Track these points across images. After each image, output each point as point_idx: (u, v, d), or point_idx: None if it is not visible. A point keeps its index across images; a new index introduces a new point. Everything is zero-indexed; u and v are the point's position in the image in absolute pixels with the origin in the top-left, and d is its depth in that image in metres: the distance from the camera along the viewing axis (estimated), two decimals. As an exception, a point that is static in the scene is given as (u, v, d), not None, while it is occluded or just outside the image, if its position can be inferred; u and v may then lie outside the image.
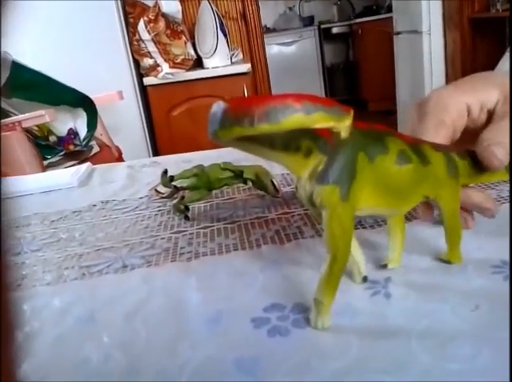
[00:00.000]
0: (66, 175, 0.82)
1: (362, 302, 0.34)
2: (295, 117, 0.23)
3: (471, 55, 3.00)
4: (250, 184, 0.59)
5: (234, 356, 0.29)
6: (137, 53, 2.34)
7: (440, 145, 0.36)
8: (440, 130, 0.37)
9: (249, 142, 0.27)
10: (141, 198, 0.66)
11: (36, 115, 1.61)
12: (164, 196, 0.63)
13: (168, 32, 2.33)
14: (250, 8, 2.76)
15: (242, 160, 0.61)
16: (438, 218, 0.39)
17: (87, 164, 0.89)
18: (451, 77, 3.13)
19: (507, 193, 0.49)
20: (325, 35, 5.27)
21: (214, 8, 2.47)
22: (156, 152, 2.50)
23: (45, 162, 1.77)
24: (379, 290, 0.35)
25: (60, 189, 0.77)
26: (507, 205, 0.46)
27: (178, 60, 2.37)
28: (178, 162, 0.79)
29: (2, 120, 1.61)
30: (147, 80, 2.40)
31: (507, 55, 0.43)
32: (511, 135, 0.35)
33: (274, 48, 4.94)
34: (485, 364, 0.26)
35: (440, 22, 3.15)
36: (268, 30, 5.02)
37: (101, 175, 0.83)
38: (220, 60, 2.47)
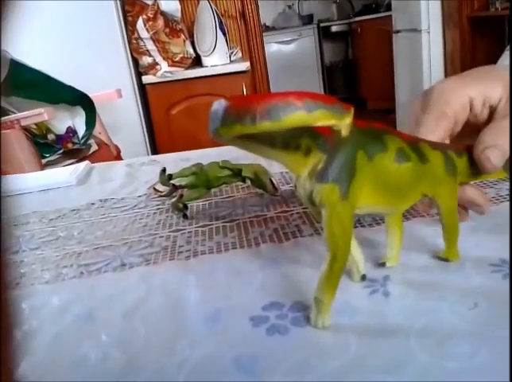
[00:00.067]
0: (64, 173, 0.82)
1: (361, 301, 0.34)
2: (296, 115, 0.23)
3: (470, 53, 3.00)
4: (248, 182, 0.59)
5: (233, 355, 0.29)
6: (135, 52, 2.33)
7: (438, 143, 0.36)
8: (440, 122, 0.37)
9: (249, 141, 0.27)
10: (139, 196, 0.66)
11: (35, 114, 1.61)
12: (162, 194, 0.63)
13: (167, 30, 2.33)
14: (250, 6, 2.75)
15: (241, 158, 0.61)
16: (436, 216, 0.39)
17: (86, 162, 0.88)
18: (450, 76, 3.13)
19: (506, 192, 0.49)
20: (324, 33, 5.27)
21: (213, 6, 2.46)
22: (154, 150, 2.50)
23: (44, 161, 1.77)
24: (378, 289, 0.35)
25: (58, 187, 0.77)
26: (506, 204, 0.46)
27: (177, 59, 2.36)
28: (177, 161, 0.79)
29: (1, 118, 1.61)
30: (146, 79, 2.39)
31: (507, 53, 0.43)
32: (511, 135, 0.35)
33: (273, 47, 4.93)
34: (484, 363, 0.26)
35: (440, 21, 3.15)
36: (267, 29, 5.01)
37: (99, 173, 0.83)
38: (219, 59, 2.47)
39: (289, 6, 5.29)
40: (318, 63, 5.24)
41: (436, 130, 0.37)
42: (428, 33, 3.17)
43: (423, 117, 0.37)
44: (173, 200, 0.58)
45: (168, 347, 0.31)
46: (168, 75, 2.36)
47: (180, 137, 2.40)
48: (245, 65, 2.45)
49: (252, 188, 0.61)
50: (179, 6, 2.39)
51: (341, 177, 0.28)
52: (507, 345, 0.26)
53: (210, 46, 2.44)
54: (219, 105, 0.25)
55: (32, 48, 1.98)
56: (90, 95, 1.93)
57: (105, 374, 0.30)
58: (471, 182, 0.39)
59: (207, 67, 2.48)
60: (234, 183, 0.62)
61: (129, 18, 2.31)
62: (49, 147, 1.90)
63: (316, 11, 5.39)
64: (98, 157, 1.78)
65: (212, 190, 0.62)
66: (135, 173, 0.79)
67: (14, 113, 1.71)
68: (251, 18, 2.77)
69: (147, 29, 2.27)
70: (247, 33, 2.81)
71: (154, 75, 2.37)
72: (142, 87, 2.42)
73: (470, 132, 0.38)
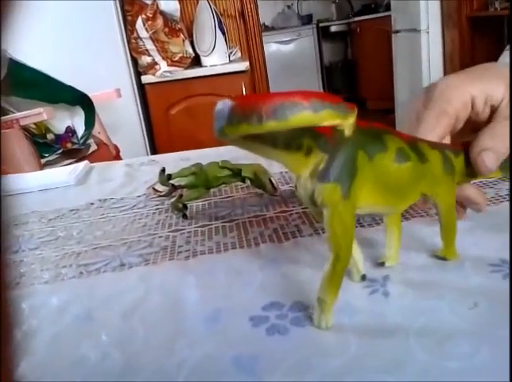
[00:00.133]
0: (63, 173, 0.82)
1: (361, 301, 0.34)
2: (303, 114, 0.23)
3: (469, 53, 3.00)
4: (248, 182, 0.59)
5: (233, 355, 0.29)
6: (135, 51, 2.33)
7: (436, 142, 0.36)
8: (441, 120, 0.37)
9: (252, 141, 0.27)
10: (139, 196, 0.66)
11: (34, 113, 1.61)
12: (162, 194, 0.63)
13: (167, 30, 2.33)
14: (249, 6, 2.75)
15: (241, 158, 0.61)
16: (435, 216, 0.39)
17: (85, 162, 0.88)
18: (449, 76, 3.12)
19: (506, 192, 0.49)
20: (324, 33, 5.27)
21: (212, 6, 2.46)
22: (154, 150, 2.49)
23: (43, 160, 1.77)
24: (378, 289, 0.35)
25: (57, 187, 0.77)
26: (506, 204, 0.46)
27: (176, 58, 2.36)
28: (176, 161, 0.79)
29: (1, 118, 1.61)
30: (145, 78, 2.39)
31: (506, 53, 0.43)
32: (511, 136, 0.35)
33: (273, 47, 4.93)
34: (483, 363, 0.26)
35: (439, 21, 3.15)
36: (266, 28, 5.01)
37: (99, 173, 0.83)
38: (218, 59, 2.47)
39: (288, 6, 5.29)
40: (317, 63, 5.24)
41: (437, 127, 0.37)
42: (428, 33, 3.17)
43: (424, 113, 0.37)
44: (173, 200, 0.58)
45: (168, 347, 0.31)
46: (168, 74, 2.36)
47: (179, 137, 2.40)
48: (244, 65, 2.45)
49: (251, 188, 0.61)
50: (178, 6, 2.39)
51: (342, 176, 0.28)
52: (507, 345, 0.26)
53: (209, 46, 2.44)
54: (223, 104, 0.25)
55: (32, 47, 1.97)
56: (89, 94, 1.93)
57: (104, 374, 0.30)
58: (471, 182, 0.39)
59: (206, 66, 2.48)
60: (233, 183, 0.62)
61: (129, 18, 2.31)
62: (48, 147, 1.90)
63: (316, 11, 5.39)
64: (98, 156, 1.78)
65: (212, 190, 0.62)
66: (134, 172, 0.79)
67: (13, 113, 1.71)
68: (250, 18, 2.77)
69: (146, 29, 2.27)
70: (246, 33, 2.80)
71: (153, 74, 2.36)
72: (141, 87, 2.42)
73: (471, 129, 0.38)
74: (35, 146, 1.67)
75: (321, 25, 5.23)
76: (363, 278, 0.36)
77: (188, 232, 0.51)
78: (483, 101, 0.37)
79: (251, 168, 0.58)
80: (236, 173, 0.58)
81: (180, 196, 0.56)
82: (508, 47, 0.43)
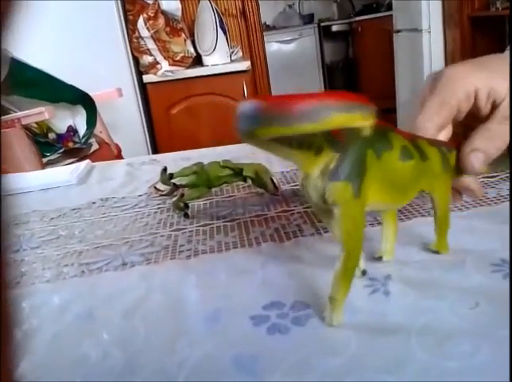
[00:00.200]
0: (65, 172, 0.82)
1: (362, 300, 0.34)
2: (336, 116, 0.23)
3: (470, 53, 3.00)
4: (249, 182, 0.59)
5: (233, 354, 0.29)
6: (136, 51, 2.33)
7: (433, 139, 0.36)
8: (442, 110, 0.37)
9: (270, 141, 0.27)
10: (140, 196, 0.66)
11: (36, 113, 1.61)
12: (163, 193, 0.63)
13: (168, 29, 2.32)
14: (250, 5, 2.75)
15: (242, 158, 0.61)
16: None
17: (87, 161, 0.88)
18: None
19: (507, 192, 0.49)
20: (325, 33, 5.26)
21: (213, 5, 2.46)
22: (155, 150, 2.49)
23: (44, 160, 1.76)
24: (378, 288, 0.35)
25: (59, 186, 0.77)
26: (507, 204, 0.46)
27: (177, 58, 2.36)
28: (177, 160, 0.79)
29: (2, 117, 1.61)
30: (146, 78, 2.39)
31: (507, 53, 0.43)
32: (511, 135, 0.35)
33: (274, 46, 4.92)
34: (484, 362, 0.26)
35: (440, 20, 3.14)
36: (268, 28, 5.01)
37: (100, 172, 0.83)
38: (220, 58, 2.47)
39: (290, 6, 5.29)
40: (318, 62, 5.24)
41: (437, 116, 0.37)
42: (429, 32, 3.17)
43: (428, 100, 0.37)
44: (174, 199, 0.58)
45: (169, 346, 0.31)
46: (169, 74, 2.36)
47: (180, 136, 2.40)
48: (245, 64, 2.45)
49: (253, 187, 0.61)
50: (179, 5, 2.39)
51: (353, 175, 0.28)
52: (507, 345, 0.26)
53: (210, 45, 2.44)
54: (250, 105, 0.24)
55: (33, 47, 1.97)
56: (90, 94, 1.93)
57: (105, 373, 0.30)
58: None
59: (207, 66, 2.47)
60: (234, 182, 0.62)
61: (130, 17, 2.31)
62: (50, 146, 1.90)
63: (317, 10, 5.38)
64: (99, 156, 1.78)
65: (213, 189, 0.62)
66: (136, 172, 0.79)
67: (15, 112, 1.71)
68: (252, 17, 2.77)
69: (148, 28, 2.27)
70: (248, 32, 2.80)
71: (155, 74, 2.36)
72: (143, 87, 2.42)
73: (471, 121, 0.38)
74: (36, 146, 1.67)
75: (322, 24, 5.23)
76: (364, 273, 0.36)
77: (190, 232, 0.51)
78: (486, 95, 0.36)
79: (252, 167, 0.58)
80: (237, 172, 0.58)
81: (182, 195, 0.56)
82: (509, 47, 0.43)
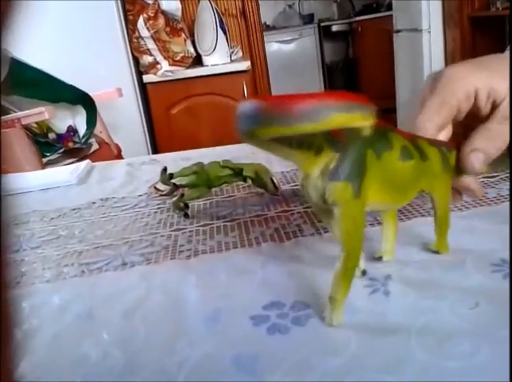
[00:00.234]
0: (65, 172, 0.82)
1: (362, 300, 0.34)
2: (335, 116, 0.23)
3: (470, 53, 3.00)
4: (249, 182, 0.59)
5: (233, 354, 0.29)
6: (136, 51, 2.33)
7: (433, 139, 0.36)
8: (442, 110, 0.37)
9: (271, 141, 0.27)
10: (140, 196, 0.66)
11: (36, 112, 1.61)
12: (163, 193, 0.63)
13: (168, 29, 2.32)
14: (250, 5, 2.75)
15: (242, 158, 0.61)
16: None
17: (87, 161, 0.88)
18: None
19: (507, 192, 0.49)
20: (325, 33, 5.26)
21: (213, 5, 2.46)
22: (155, 150, 2.49)
23: (44, 160, 1.76)
24: (378, 288, 0.35)
25: (59, 186, 0.77)
26: (507, 204, 0.46)
27: (177, 58, 2.36)
28: (177, 160, 0.79)
29: (2, 117, 1.61)
30: (146, 78, 2.39)
31: (507, 53, 0.43)
32: (511, 135, 0.35)
33: (274, 46, 4.92)
34: (484, 362, 0.26)
35: (440, 20, 3.14)
36: (268, 28, 5.00)
37: (100, 172, 0.83)
38: (220, 58, 2.47)
39: (290, 6, 5.29)
40: (318, 62, 5.24)
41: (437, 116, 0.37)
42: (429, 32, 3.17)
43: (428, 100, 0.38)
44: (174, 199, 0.58)
45: (169, 346, 0.31)
46: (169, 74, 2.36)
47: (180, 136, 2.40)
48: (245, 64, 2.45)
49: (253, 187, 0.61)
50: (179, 5, 2.39)
51: (353, 175, 0.28)
52: (507, 345, 0.26)
53: (210, 45, 2.44)
54: (250, 105, 0.24)
55: (33, 47, 1.97)
56: (90, 94, 1.93)
57: (105, 373, 0.30)
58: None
59: (207, 66, 2.47)
60: (234, 182, 0.62)
61: (130, 17, 2.31)
62: (50, 146, 1.90)
63: (317, 10, 5.38)
64: (99, 156, 1.78)
65: (213, 189, 0.62)
66: (136, 172, 0.79)
67: (15, 112, 1.71)
68: (252, 17, 2.77)
69: (148, 28, 2.27)
70: (248, 32, 2.80)
71: (155, 74, 2.36)
72: (143, 86, 2.42)
73: (471, 121, 0.38)
74: (36, 146, 1.67)
75: (322, 24, 5.23)
76: (364, 273, 0.36)
77: (190, 232, 0.51)
78: (486, 95, 0.37)
79: (252, 167, 0.58)
80: (237, 172, 0.58)
81: (182, 195, 0.56)
82: (509, 47, 0.43)
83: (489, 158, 0.36)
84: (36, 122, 1.82)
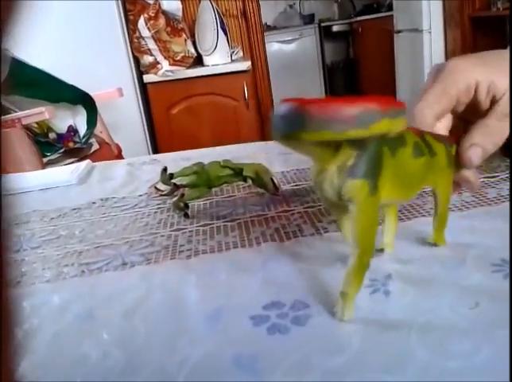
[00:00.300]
0: (65, 172, 0.82)
1: (362, 300, 0.33)
2: (382, 123, 0.23)
3: (471, 53, 3.00)
4: (249, 182, 0.59)
5: (234, 354, 0.29)
6: (137, 50, 2.33)
7: (437, 134, 0.37)
8: (442, 99, 0.37)
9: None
10: (140, 196, 0.66)
11: (36, 112, 1.61)
12: (163, 193, 0.63)
13: (169, 29, 2.33)
14: (251, 5, 2.75)
15: (242, 158, 0.61)
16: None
17: (87, 161, 0.88)
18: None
19: (507, 192, 0.49)
20: (325, 33, 5.27)
21: (214, 5, 2.46)
22: (155, 150, 2.50)
23: (45, 159, 1.77)
24: (379, 288, 0.35)
25: (59, 186, 0.77)
26: (507, 204, 0.46)
27: (178, 58, 2.36)
28: (177, 160, 0.79)
29: (2, 117, 1.61)
30: (147, 78, 2.39)
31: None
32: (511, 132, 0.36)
33: (274, 46, 4.93)
34: (484, 362, 0.26)
35: (441, 21, 3.14)
36: (268, 28, 5.01)
37: (100, 172, 0.83)
38: (220, 58, 2.47)
39: (290, 6, 5.29)
40: (319, 62, 5.24)
41: (436, 105, 0.37)
42: (430, 32, 3.17)
43: (430, 88, 0.38)
44: (174, 199, 0.58)
45: (169, 346, 0.31)
46: (170, 74, 2.36)
47: (180, 136, 2.40)
48: (246, 64, 2.45)
49: (253, 187, 0.61)
50: (180, 5, 2.39)
51: (370, 172, 0.28)
52: (508, 344, 0.26)
53: (211, 45, 2.44)
54: (289, 108, 0.24)
55: (34, 47, 1.97)
56: (91, 93, 1.93)
57: (105, 373, 0.30)
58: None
59: (208, 66, 2.48)
60: (235, 182, 0.62)
61: (131, 17, 2.31)
62: (50, 146, 1.90)
63: (317, 11, 5.39)
64: (99, 156, 1.78)
65: (213, 189, 0.62)
66: (136, 172, 0.79)
67: (15, 112, 1.71)
68: (252, 17, 2.77)
69: (148, 28, 2.27)
70: (248, 33, 2.81)
71: (155, 74, 2.37)
72: (143, 86, 2.42)
73: (471, 114, 0.39)
74: (37, 145, 1.67)
75: (323, 24, 5.23)
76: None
77: (190, 231, 0.51)
78: (486, 89, 0.37)
79: (253, 167, 0.58)
80: (238, 172, 0.58)
81: (182, 195, 0.56)
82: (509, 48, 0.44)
83: (487, 153, 0.37)
84: (37, 122, 1.82)
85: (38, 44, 2.03)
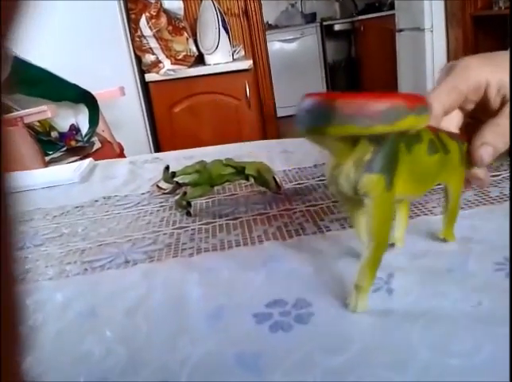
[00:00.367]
0: (68, 171, 0.82)
1: (364, 298, 0.34)
2: (408, 119, 0.24)
3: (473, 52, 2.97)
4: (251, 180, 0.59)
5: (236, 352, 0.30)
6: (138, 49, 2.33)
7: (450, 132, 0.37)
8: (452, 94, 0.38)
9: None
10: (143, 194, 0.66)
11: (38, 111, 1.61)
12: (166, 192, 0.63)
13: (170, 28, 2.33)
14: (252, 4, 2.75)
15: (244, 156, 0.61)
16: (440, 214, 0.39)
17: (89, 160, 0.89)
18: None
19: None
20: (327, 32, 5.26)
21: (216, 4, 2.46)
22: (157, 148, 2.50)
23: (47, 158, 1.77)
24: (382, 286, 0.35)
25: (61, 184, 0.77)
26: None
27: (180, 57, 2.36)
28: (180, 158, 0.79)
29: (4, 116, 1.61)
30: (149, 77, 2.39)
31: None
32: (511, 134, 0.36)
33: (276, 45, 4.92)
34: (486, 360, 0.26)
35: (443, 20, 3.14)
36: (270, 27, 5.00)
37: (103, 171, 0.83)
38: (222, 57, 2.47)
39: (292, 5, 5.29)
40: (321, 61, 5.23)
41: (445, 99, 0.38)
42: (432, 31, 3.17)
43: (441, 83, 0.39)
44: (177, 197, 0.58)
45: (171, 343, 0.31)
46: (171, 73, 2.36)
47: (182, 135, 2.40)
48: (247, 63, 2.45)
49: (255, 186, 0.61)
50: (182, 4, 2.39)
51: (387, 168, 0.28)
52: (508, 343, 0.26)
53: (213, 44, 2.44)
54: (315, 102, 0.24)
55: (36, 45, 1.98)
56: (93, 92, 1.93)
57: (108, 370, 0.30)
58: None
59: (209, 65, 2.47)
60: (237, 181, 0.62)
61: (133, 16, 2.31)
62: (52, 145, 1.90)
63: (319, 10, 5.38)
64: (102, 154, 1.79)
65: (215, 188, 0.62)
66: (138, 170, 0.79)
67: (18, 110, 1.71)
68: (254, 16, 2.77)
69: (150, 27, 2.27)
70: (250, 32, 2.81)
71: (157, 73, 2.37)
72: (145, 85, 2.42)
73: (481, 113, 0.39)
74: (39, 144, 1.67)
75: (325, 23, 5.22)
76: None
77: (192, 230, 0.51)
78: (496, 88, 0.38)
79: (255, 166, 0.58)
80: (240, 171, 0.58)
81: (184, 193, 0.56)
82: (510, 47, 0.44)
83: (497, 152, 0.37)
84: (39, 121, 1.82)
85: (40, 44, 2.03)
